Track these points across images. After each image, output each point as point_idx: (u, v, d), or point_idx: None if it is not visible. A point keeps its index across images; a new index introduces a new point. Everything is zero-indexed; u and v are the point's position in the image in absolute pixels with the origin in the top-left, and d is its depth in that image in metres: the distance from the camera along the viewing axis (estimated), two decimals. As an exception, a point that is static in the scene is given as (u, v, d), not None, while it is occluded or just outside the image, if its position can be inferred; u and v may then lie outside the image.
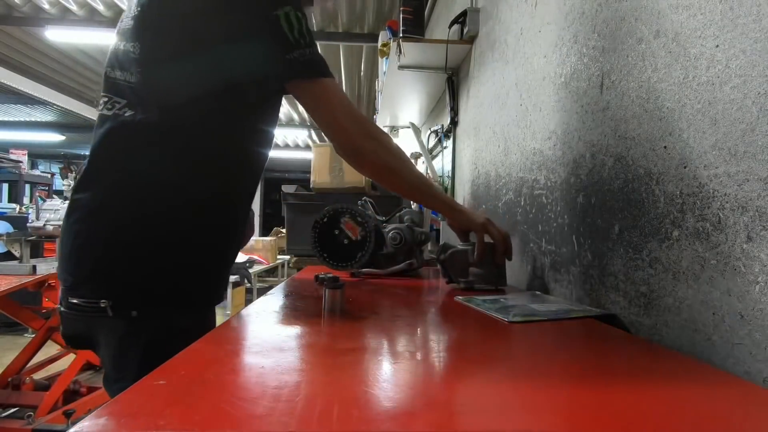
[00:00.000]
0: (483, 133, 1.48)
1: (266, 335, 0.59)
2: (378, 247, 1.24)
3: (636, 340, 0.60)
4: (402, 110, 2.59)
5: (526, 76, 1.10)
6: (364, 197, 1.38)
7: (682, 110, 0.57)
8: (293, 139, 7.47)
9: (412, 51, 1.69)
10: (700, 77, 0.54)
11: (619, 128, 0.70)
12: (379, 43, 2.49)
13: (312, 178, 1.96)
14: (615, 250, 0.71)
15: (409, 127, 2.68)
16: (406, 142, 3.08)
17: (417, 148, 2.40)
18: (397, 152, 0.87)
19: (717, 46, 0.51)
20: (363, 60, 4.18)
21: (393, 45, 1.82)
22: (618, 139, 0.71)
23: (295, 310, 0.78)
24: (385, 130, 2.98)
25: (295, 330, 0.63)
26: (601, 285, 0.75)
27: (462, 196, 1.79)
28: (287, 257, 4.66)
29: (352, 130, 0.79)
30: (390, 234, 1.24)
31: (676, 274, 0.57)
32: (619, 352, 0.56)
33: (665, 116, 0.60)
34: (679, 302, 0.56)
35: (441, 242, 1.64)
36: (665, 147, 0.59)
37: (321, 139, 7.20)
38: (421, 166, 2.08)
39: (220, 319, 0.82)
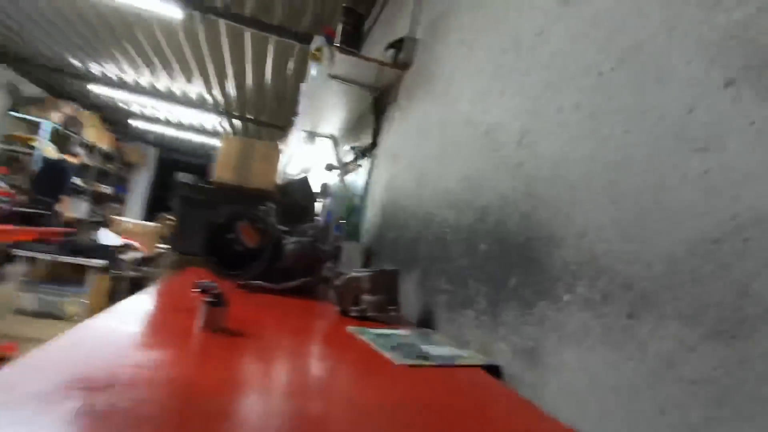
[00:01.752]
0: (400, 161, 1.49)
1: (107, 359, 0.48)
2: (275, 260, 1.15)
3: (519, 401, 0.61)
4: (324, 118, 2.53)
5: (451, 117, 1.13)
6: (269, 203, 1.28)
7: (589, 183, 0.60)
8: (200, 122, 6.92)
9: (344, 63, 1.66)
10: (608, 156, 0.58)
11: (530, 186, 0.73)
12: (313, 47, 2.41)
13: (215, 171, 1.80)
14: (508, 302, 0.73)
15: (328, 137, 2.64)
16: (323, 152, 3.01)
17: (333, 160, 2.36)
18: None
19: (627, 131, 0.55)
20: (294, 59, 4.04)
21: (326, 52, 1.77)
22: (527, 197, 0.73)
23: (164, 325, 0.67)
24: (304, 135, 2.89)
25: (149, 355, 0.53)
26: (491, 333, 0.76)
27: (371, 219, 1.77)
28: (169, 247, 4.23)
29: None
30: (290, 247, 1.16)
31: (561, 337, 0.59)
32: (498, 412, 0.56)
33: (574, 185, 0.63)
34: (561, 364, 0.59)
35: (343, 260, 1.59)
36: (568, 214, 0.63)
37: (235, 132, 6.76)
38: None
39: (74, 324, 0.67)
